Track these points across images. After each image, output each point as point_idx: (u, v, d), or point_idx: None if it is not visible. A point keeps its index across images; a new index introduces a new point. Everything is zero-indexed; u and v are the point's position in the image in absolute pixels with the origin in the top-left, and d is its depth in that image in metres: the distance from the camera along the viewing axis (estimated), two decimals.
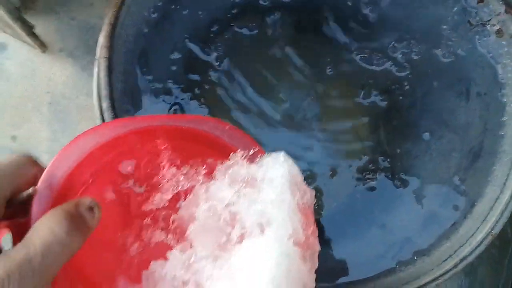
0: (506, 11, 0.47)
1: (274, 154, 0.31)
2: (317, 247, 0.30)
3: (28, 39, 0.71)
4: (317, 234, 0.31)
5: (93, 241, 0.31)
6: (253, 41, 0.54)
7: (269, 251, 0.27)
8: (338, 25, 0.53)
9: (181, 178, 0.32)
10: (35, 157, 0.29)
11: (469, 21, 0.49)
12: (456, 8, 0.49)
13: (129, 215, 0.33)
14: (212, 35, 0.53)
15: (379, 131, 0.52)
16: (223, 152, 0.32)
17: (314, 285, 0.29)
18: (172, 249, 0.31)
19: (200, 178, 0.32)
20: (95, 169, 0.31)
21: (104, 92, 0.44)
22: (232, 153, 0.31)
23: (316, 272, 0.30)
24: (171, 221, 0.32)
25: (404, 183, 0.50)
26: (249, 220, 0.29)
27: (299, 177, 0.31)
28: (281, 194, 0.29)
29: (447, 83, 0.51)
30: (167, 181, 0.33)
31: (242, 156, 0.31)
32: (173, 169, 0.33)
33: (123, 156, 0.32)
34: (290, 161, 0.31)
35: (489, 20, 0.48)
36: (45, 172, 0.28)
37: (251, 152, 0.31)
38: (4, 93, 0.75)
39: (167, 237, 0.32)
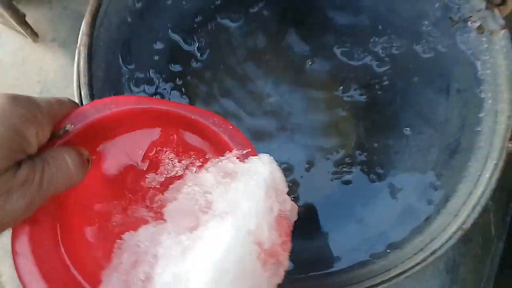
0: (486, 7, 0.46)
1: (263, 155, 0.32)
2: (285, 262, 0.30)
3: (19, 28, 0.72)
4: (289, 250, 0.30)
5: (87, 205, 0.33)
6: (236, 33, 0.54)
7: (223, 235, 0.27)
8: (320, 19, 0.53)
9: (177, 165, 0.34)
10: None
11: (450, 17, 0.49)
12: (438, 4, 0.49)
13: (123, 188, 0.34)
14: (195, 25, 0.54)
15: (358, 125, 0.52)
16: (221, 149, 0.33)
17: None
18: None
19: (194, 169, 0.34)
20: (117, 131, 0.33)
21: (84, 79, 0.45)
22: (227, 151, 0.33)
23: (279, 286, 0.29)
24: (155, 200, 0.34)
25: (380, 177, 0.50)
26: (219, 207, 0.29)
27: (281, 185, 0.31)
28: (254, 188, 0.29)
29: (428, 79, 0.51)
30: (164, 165, 0.35)
31: (236, 154, 0.32)
32: (172, 155, 0.35)
33: (146, 137, 0.35)
34: (274, 165, 0.31)
35: (470, 16, 0.48)
36: (81, 108, 0.30)
37: (244, 152, 0.32)
38: None
39: (148, 214, 0.34)
